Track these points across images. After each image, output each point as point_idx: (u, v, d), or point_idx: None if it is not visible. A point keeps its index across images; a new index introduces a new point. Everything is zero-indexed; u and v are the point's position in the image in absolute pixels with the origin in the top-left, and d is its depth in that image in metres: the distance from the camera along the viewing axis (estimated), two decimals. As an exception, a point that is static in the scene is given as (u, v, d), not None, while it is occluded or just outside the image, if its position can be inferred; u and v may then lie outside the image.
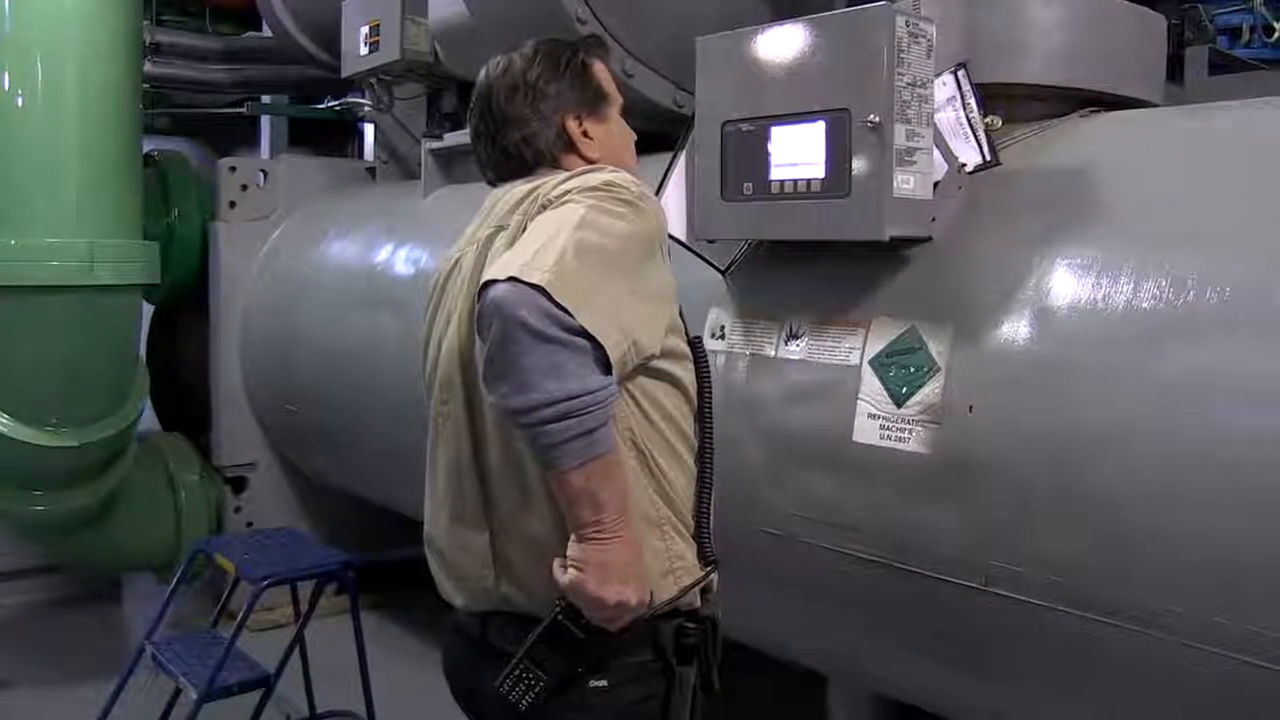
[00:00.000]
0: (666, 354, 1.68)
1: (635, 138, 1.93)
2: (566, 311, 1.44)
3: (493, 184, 1.86)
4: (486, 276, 1.50)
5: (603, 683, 1.63)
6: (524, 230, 1.63)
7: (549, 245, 1.49)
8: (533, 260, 1.47)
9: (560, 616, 1.59)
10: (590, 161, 1.79)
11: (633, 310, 1.56)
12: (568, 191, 1.63)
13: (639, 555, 1.58)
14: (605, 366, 1.49)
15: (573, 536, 1.56)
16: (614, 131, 1.86)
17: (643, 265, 1.61)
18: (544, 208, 1.64)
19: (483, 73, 1.85)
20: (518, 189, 1.75)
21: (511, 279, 1.45)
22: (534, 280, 1.44)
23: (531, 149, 1.79)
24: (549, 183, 1.69)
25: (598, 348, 1.47)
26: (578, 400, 1.45)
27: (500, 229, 1.71)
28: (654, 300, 1.63)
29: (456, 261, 1.80)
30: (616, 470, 1.55)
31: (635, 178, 1.74)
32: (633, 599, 1.55)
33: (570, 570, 1.55)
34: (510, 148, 1.80)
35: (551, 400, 1.44)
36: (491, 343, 1.47)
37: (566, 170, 1.77)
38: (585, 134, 1.80)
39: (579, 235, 1.52)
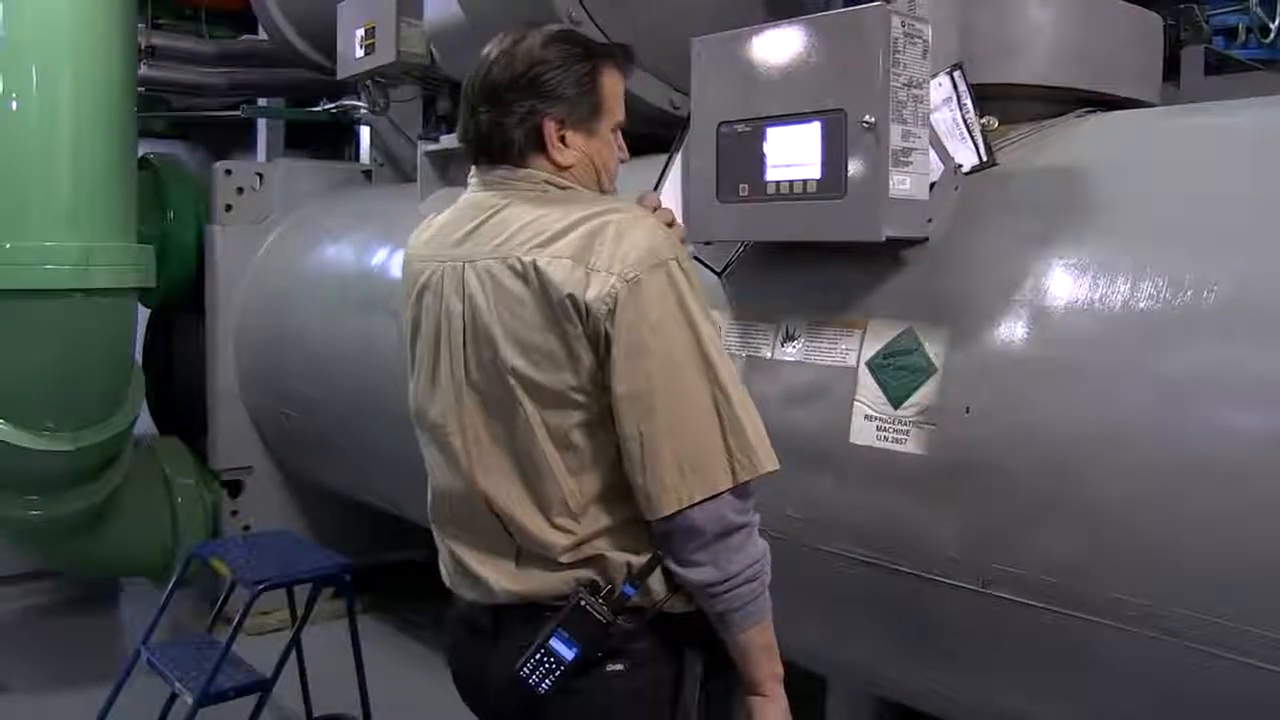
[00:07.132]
0: None
1: (627, 158, 1.86)
2: (748, 483, 1.63)
3: (469, 157, 1.82)
4: (668, 505, 1.61)
5: (620, 666, 1.67)
6: (596, 321, 1.60)
7: (704, 420, 1.61)
8: (710, 459, 1.60)
9: (582, 601, 1.64)
10: (558, 165, 1.74)
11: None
12: (626, 269, 1.59)
13: None
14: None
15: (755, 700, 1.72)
16: (598, 148, 1.78)
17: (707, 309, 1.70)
18: (612, 311, 1.59)
19: (494, 43, 1.78)
20: (518, 219, 1.70)
21: (713, 498, 1.60)
22: (725, 487, 1.61)
23: (503, 138, 1.73)
24: (584, 256, 1.61)
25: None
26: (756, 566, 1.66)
27: (506, 260, 1.66)
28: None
29: (457, 276, 1.76)
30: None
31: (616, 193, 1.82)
32: None
33: None
34: (484, 127, 1.74)
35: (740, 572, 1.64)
36: (700, 540, 1.62)
37: (533, 168, 1.74)
38: (562, 139, 1.73)
39: (714, 377, 1.63)
